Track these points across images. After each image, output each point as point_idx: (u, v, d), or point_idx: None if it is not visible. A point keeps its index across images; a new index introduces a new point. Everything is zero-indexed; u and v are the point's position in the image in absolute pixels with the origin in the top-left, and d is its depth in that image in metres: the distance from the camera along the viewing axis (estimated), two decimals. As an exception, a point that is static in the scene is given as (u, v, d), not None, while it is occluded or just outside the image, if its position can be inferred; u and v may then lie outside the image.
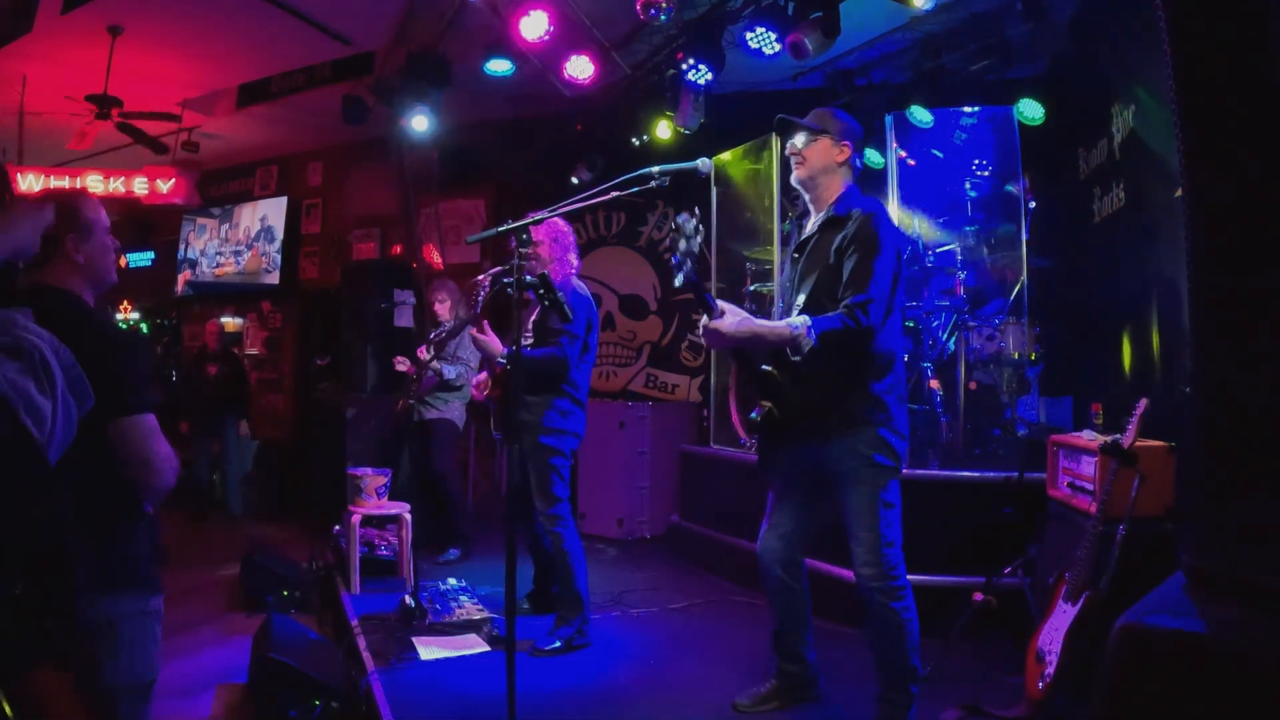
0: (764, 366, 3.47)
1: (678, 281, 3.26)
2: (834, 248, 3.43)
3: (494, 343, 4.66)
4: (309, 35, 7.61)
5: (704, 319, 3.34)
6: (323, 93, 8.45)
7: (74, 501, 1.92)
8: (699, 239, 3.24)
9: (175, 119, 8.87)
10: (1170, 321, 4.56)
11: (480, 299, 4.78)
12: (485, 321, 4.75)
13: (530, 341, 4.76)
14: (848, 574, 5.04)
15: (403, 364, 6.67)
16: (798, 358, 3.29)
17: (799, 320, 3.24)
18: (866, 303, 3.26)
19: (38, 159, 9.85)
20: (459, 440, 7.02)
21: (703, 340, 3.42)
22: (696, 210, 3.30)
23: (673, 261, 3.29)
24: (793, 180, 3.69)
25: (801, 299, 3.51)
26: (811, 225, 3.65)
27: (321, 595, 5.89)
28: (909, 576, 4.94)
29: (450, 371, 6.63)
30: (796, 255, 3.69)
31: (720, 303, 3.34)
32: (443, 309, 6.94)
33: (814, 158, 3.60)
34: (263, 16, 7.19)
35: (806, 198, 3.70)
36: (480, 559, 6.77)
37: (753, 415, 3.49)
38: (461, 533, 6.87)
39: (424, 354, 6.46)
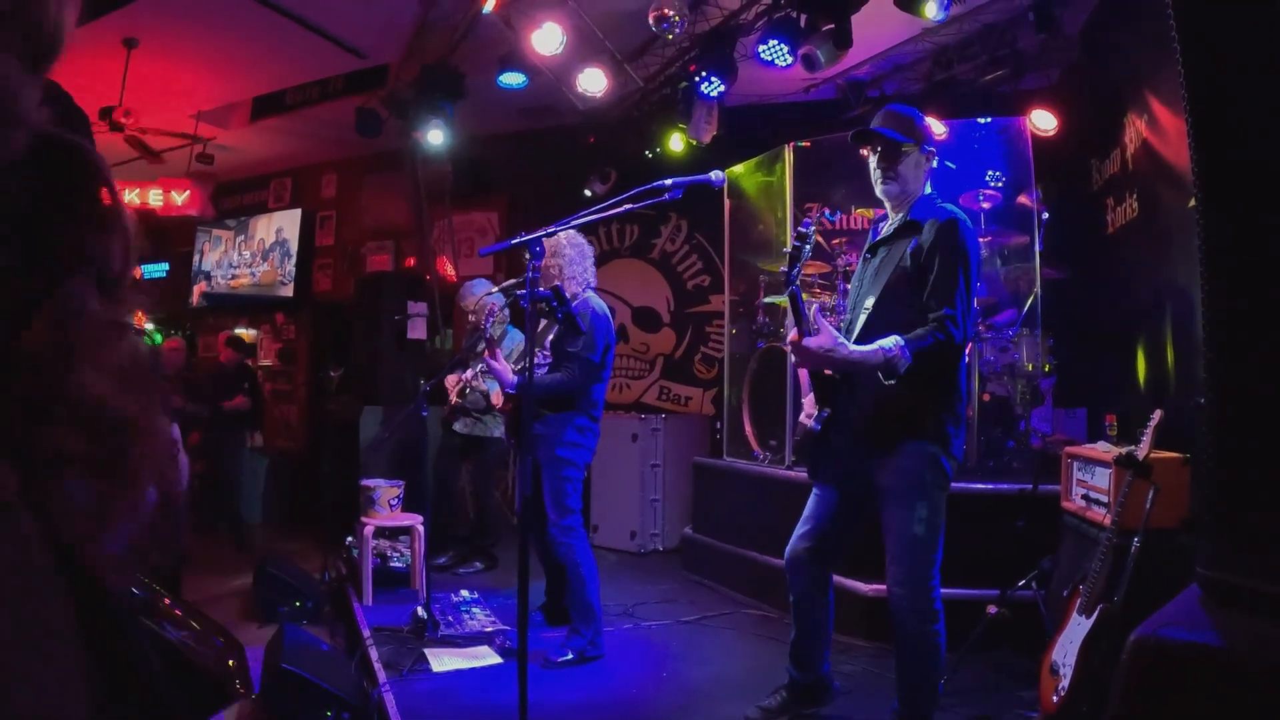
0: (826, 371, 3.42)
1: (786, 295, 3.22)
2: (910, 252, 3.35)
3: (505, 372, 4.65)
4: (322, 48, 7.66)
5: (791, 333, 3.20)
6: (336, 105, 8.50)
7: None
8: (810, 246, 3.22)
9: (192, 137, 8.93)
10: (1184, 332, 4.54)
11: (490, 319, 4.79)
12: (497, 347, 4.77)
13: (548, 361, 4.76)
14: (861, 586, 5.05)
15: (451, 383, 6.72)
16: (891, 381, 3.20)
17: (890, 342, 3.13)
18: (955, 316, 3.21)
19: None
20: (505, 459, 7.05)
21: (789, 354, 3.32)
22: (820, 213, 3.24)
23: (791, 274, 3.21)
24: (879, 193, 3.54)
25: (871, 301, 3.44)
26: (888, 227, 3.58)
27: (334, 606, 5.89)
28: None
29: (494, 387, 6.65)
30: (869, 255, 3.63)
31: (814, 316, 3.22)
32: (475, 318, 6.94)
33: (907, 170, 3.48)
34: (277, 30, 7.24)
35: (887, 204, 3.61)
36: (492, 571, 6.80)
37: (813, 426, 3.44)
38: (489, 548, 6.92)
39: (474, 380, 6.50)
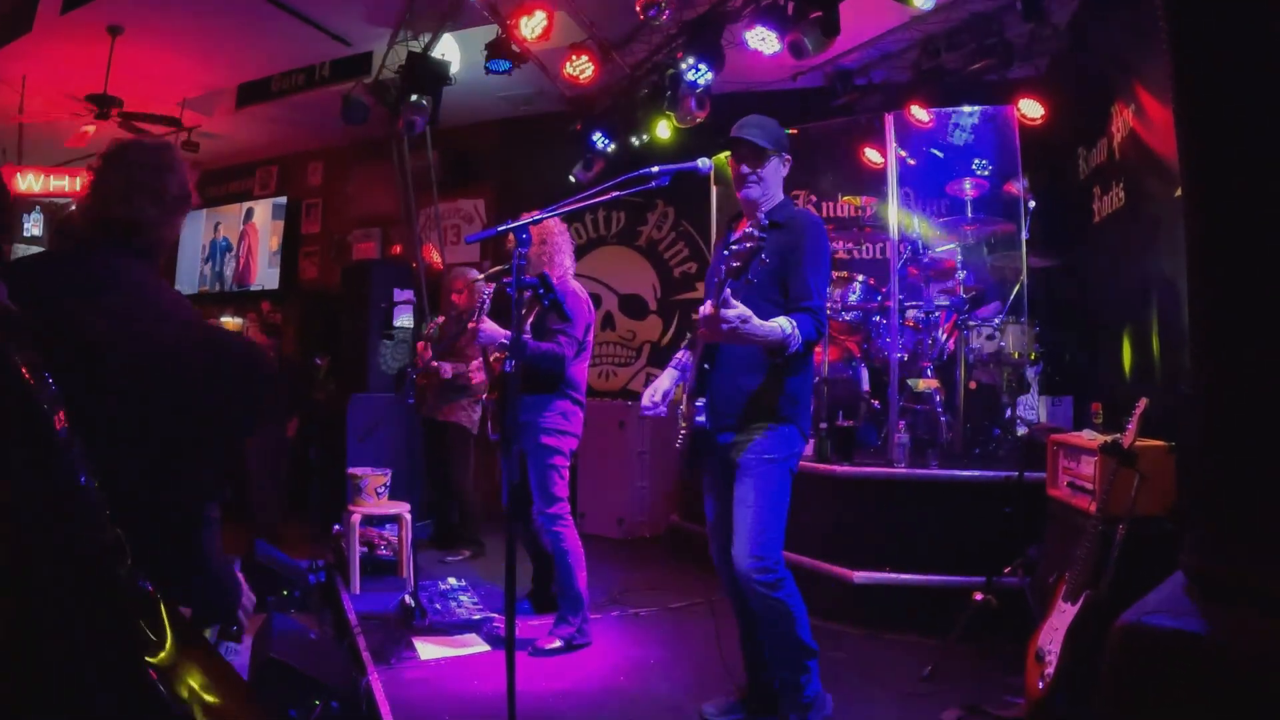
0: (704, 364, 3.49)
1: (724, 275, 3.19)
2: (775, 249, 3.34)
3: (496, 330, 4.64)
4: (308, 35, 7.62)
5: (705, 306, 3.17)
6: (322, 93, 8.46)
7: None
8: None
9: (175, 122, 8.86)
10: (1170, 321, 4.56)
11: (484, 304, 4.79)
12: (485, 317, 4.75)
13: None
14: (847, 573, 5.08)
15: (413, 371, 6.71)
16: (779, 360, 3.33)
17: (788, 324, 3.23)
18: (823, 309, 3.39)
19: (37, 159, 9.85)
20: (473, 442, 7.05)
21: (701, 327, 3.28)
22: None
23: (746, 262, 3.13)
24: (741, 195, 3.66)
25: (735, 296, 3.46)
26: (748, 226, 3.54)
27: (322, 595, 5.88)
28: (914, 576, 4.99)
29: (448, 370, 6.65)
30: (727, 253, 3.56)
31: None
32: (460, 299, 6.92)
33: (770, 176, 3.64)
34: (262, 17, 7.20)
35: (745, 207, 3.71)
36: (480, 559, 6.80)
37: (700, 419, 3.49)
38: (473, 534, 6.92)
39: (427, 354, 6.49)
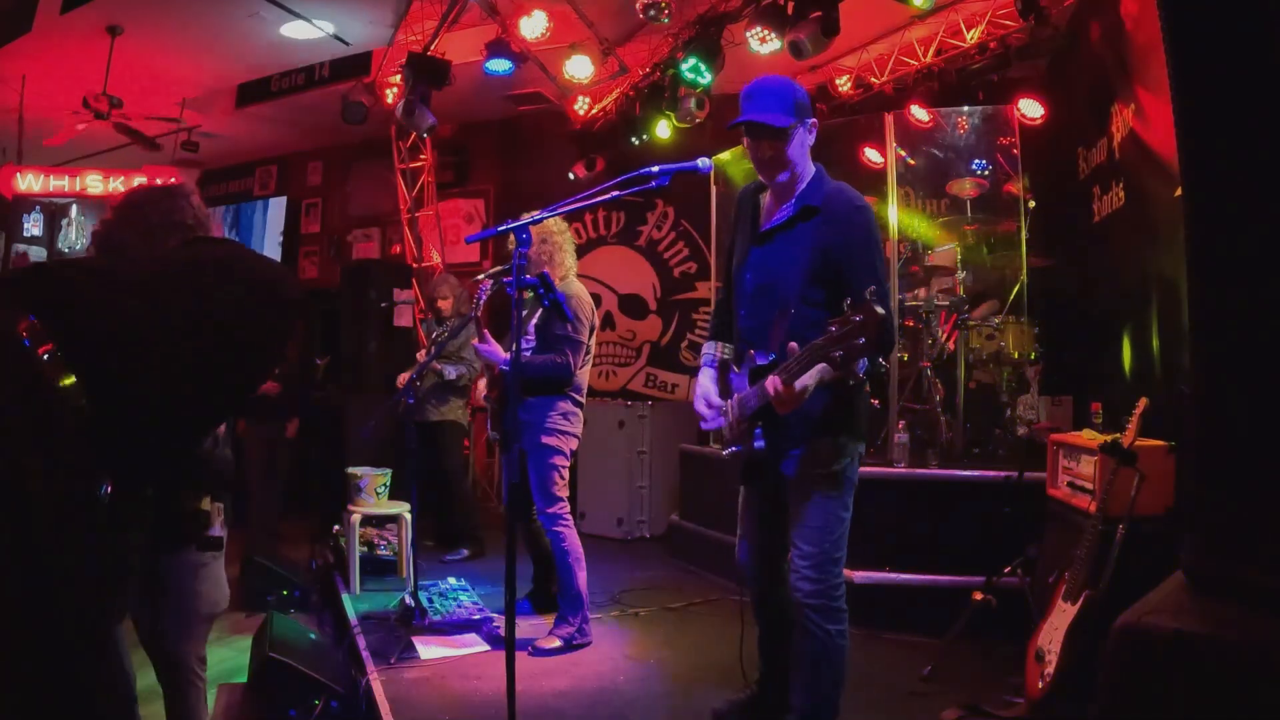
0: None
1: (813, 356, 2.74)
2: (820, 245, 3.08)
3: (496, 351, 4.64)
4: (308, 35, 7.62)
5: (772, 381, 2.83)
6: (322, 93, 8.47)
7: None
8: None
9: (175, 120, 8.88)
10: (1170, 321, 4.56)
11: (480, 299, 4.79)
12: (485, 329, 4.75)
13: (532, 345, 4.76)
14: (848, 573, 5.05)
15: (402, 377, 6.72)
16: (853, 382, 3.05)
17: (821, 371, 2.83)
18: (885, 297, 2.97)
19: (37, 159, 9.86)
20: (465, 440, 7.06)
21: (777, 407, 2.91)
22: None
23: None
24: (773, 184, 3.26)
25: (785, 296, 3.16)
26: (781, 213, 3.25)
27: (322, 595, 5.89)
28: (913, 576, 4.98)
29: (452, 372, 6.66)
30: (755, 244, 3.33)
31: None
32: (445, 305, 6.95)
33: (797, 153, 3.16)
34: (262, 15, 7.20)
35: (774, 189, 3.30)
36: (480, 558, 6.79)
37: (758, 444, 3.16)
38: (473, 533, 6.92)
39: (422, 356, 6.50)
